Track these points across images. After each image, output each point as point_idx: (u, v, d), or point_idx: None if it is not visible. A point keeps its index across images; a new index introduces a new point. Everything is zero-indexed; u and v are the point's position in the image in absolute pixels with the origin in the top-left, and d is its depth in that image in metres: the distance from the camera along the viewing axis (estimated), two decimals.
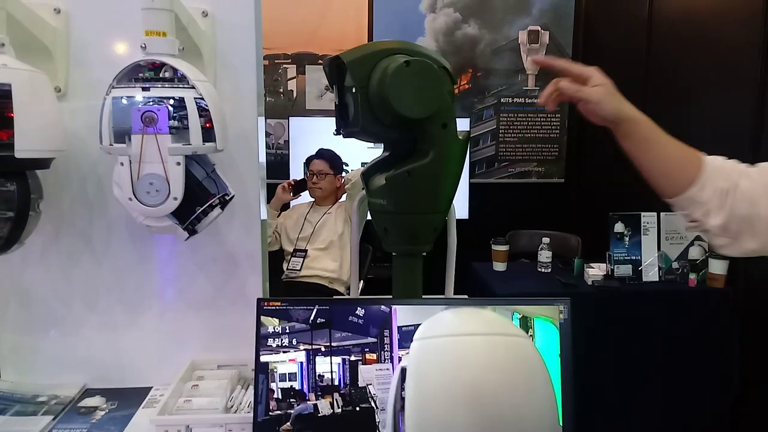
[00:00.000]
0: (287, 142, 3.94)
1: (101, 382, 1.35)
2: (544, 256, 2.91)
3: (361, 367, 1.00)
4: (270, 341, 1.01)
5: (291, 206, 3.33)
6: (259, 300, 1.03)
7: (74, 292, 1.34)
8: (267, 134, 3.98)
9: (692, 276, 2.64)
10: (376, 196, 1.09)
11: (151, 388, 1.34)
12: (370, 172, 1.13)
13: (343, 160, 3.19)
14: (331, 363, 0.99)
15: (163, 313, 1.37)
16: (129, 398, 1.30)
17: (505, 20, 4.05)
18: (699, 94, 2.93)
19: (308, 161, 3.17)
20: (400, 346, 0.99)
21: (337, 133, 1.11)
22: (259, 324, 1.02)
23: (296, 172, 3.68)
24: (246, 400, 1.22)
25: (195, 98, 1.05)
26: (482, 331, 1.00)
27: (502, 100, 4.14)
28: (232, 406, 1.20)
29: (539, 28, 4.08)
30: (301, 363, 0.99)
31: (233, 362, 1.34)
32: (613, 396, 2.64)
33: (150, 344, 1.37)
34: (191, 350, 1.36)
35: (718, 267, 2.59)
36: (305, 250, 3.03)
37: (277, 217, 3.19)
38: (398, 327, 1.00)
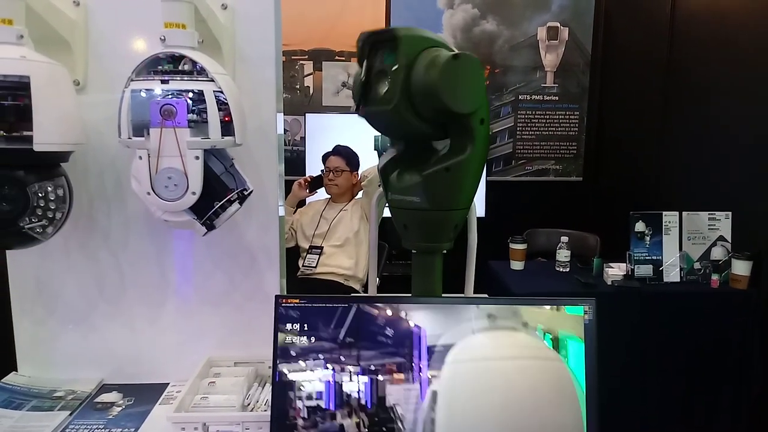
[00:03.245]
0: (304, 138, 3.93)
1: (118, 378, 1.35)
2: (563, 255, 2.87)
3: (389, 387, 0.97)
4: (297, 360, 0.98)
5: (307, 203, 3.32)
6: (277, 297, 1.02)
7: (92, 287, 1.34)
8: (284, 130, 3.97)
9: (715, 277, 2.59)
10: (407, 193, 1.05)
11: (168, 384, 1.33)
12: (388, 168, 1.10)
13: (360, 157, 3.17)
14: (358, 382, 0.97)
15: (181, 309, 1.36)
16: (146, 394, 1.29)
17: (523, 16, 4.00)
18: (720, 95, 2.87)
19: (324, 158, 3.16)
20: (429, 366, 0.97)
21: (356, 110, 1.05)
22: (277, 321, 1.01)
23: (313, 169, 3.67)
24: (263, 398, 1.21)
25: (214, 91, 1.03)
26: (516, 354, 0.97)
27: (520, 97, 4.10)
28: (249, 404, 1.19)
29: (558, 25, 4.03)
30: (328, 381, 0.97)
31: (250, 359, 1.33)
32: (632, 397, 2.60)
33: (167, 340, 1.36)
34: (208, 346, 1.36)
35: (741, 268, 2.54)
36: (321, 247, 3.02)
37: (293, 213, 3.18)
38: (428, 347, 0.98)
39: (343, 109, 3.95)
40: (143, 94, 1.02)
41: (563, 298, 1.02)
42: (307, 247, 3.05)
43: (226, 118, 1.05)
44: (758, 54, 2.61)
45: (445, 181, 1.01)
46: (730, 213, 2.65)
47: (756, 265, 2.54)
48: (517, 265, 2.89)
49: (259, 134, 1.29)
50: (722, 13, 2.89)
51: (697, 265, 2.65)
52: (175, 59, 1.04)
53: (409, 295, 1.14)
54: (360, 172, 3.15)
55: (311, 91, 3.99)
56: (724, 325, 2.56)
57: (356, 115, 1.05)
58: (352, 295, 2.70)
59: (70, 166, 1.16)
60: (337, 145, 3.15)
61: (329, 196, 3.17)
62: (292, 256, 3.12)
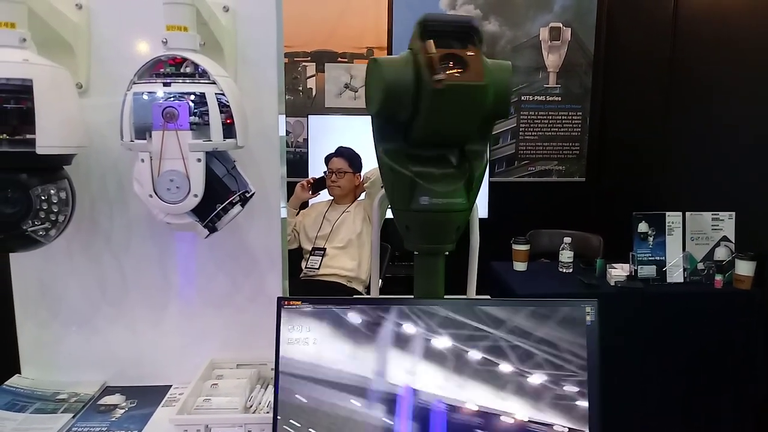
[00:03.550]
0: (306, 140, 3.94)
1: (121, 380, 1.35)
2: (566, 256, 2.87)
3: None
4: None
5: (310, 204, 3.32)
6: (279, 299, 1.02)
7: (95, 289, 1.34)
8: (286, 132, 3.98)
9: (718, 277, 2.58)
10: (452, 196, 1.04)
11: (171, 386, 1.33)
12: (425, 175, 1.04)
13: (362, 159, 3.17)
14: None
15: (183, 311, 1.36)
16: (148, 396, 1.29)
17: (526, 17, 4.00)
18: (723, 95, 2.86)
19: (327, 159, 3.16)
20: None
21: (438, 82, 0.94)
22: (279, 323, 1.01)
23: (315, 171, 3.67)
24: (265, 400, 1.21)
25: (216, 94, 1.04)
26: None
27: (522, 97, 4.10)
28: (251, 406, 1.19)
29: (561, 25, 4.03)
30: None
31: (253, 361, 1.33)
32: (635, 398, 2.59)
33: (170, 342, 1.36)
34: (211, 348, 1.36)
35: (744, 268, 2.53)
36: (324, 249, 3.02)
37: (296, 215, 3.18)
38: None
39: (346, 111, 3.95)
40: (145, 97, 1.02)
41: (565, 299, 1.02)
42: (310, 248, 3.06)
43: (228, 121, 1.06)
44: (761, 54, 2.60)
45: (480, 182, 1.06)
46: (733, 213, 2.64)
47: (760, 266, 2.53)
48: (520, 266, 2.89)
49: (261, 136, 1.30)
50: (725, 13, 2.88)
51: (700, 266, 2.65)
52: (177, 62, 1.05)
53: (411, 296, 1.14)
54: (363, 173, 3.15)
55: (314, 93, 3.99)
56: (728, 325, 2.55)
57: (437, 84, 0.91)
58: (354, 297, 2.69)
59: (73, 168, 1.17)
60: (339, 147, 3.15)
61: (332, 198, 3.17)
62: (295, 257, 3.12)
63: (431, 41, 0.94)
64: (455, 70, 0.94)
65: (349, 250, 3.02)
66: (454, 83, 0.92)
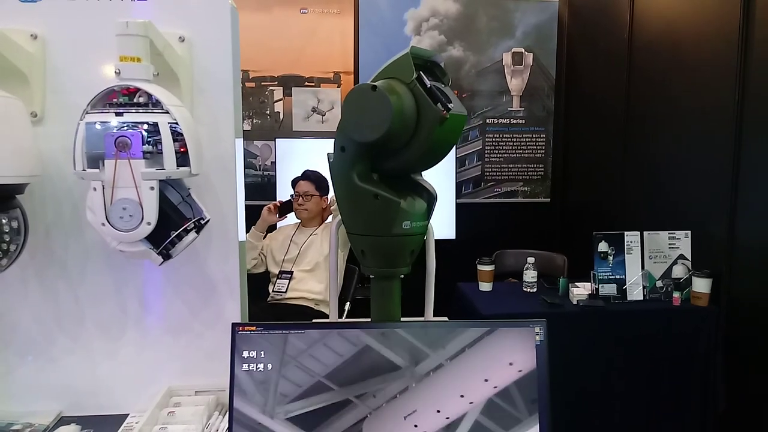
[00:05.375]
0: (274, 163, 3.95)
1: (77, 410, 1.33)
2: (530, 275, 2.91)
3: None
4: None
5: (277, 228, 3.32)
6: (233, 325, 1.02)
7: (50, 318, 1.33)
8: (254, 156, 4.00)
9: (676, 294, 2.65)
10: (425, 218, 1.10)
11: (128, 415, 1.32)
12: (407, 202, 1.08)
13: (329, 182, 3.19)
14: None
15: (141, 338, 1.36)
16: (104, 426, 1.28)
17: (489, 42, 4.10)
18: (679, 118, 2.95)
19: (294, 182, 3.18)
20: None
21: (447, 111, 1.00)
22: (234, 349, 1.01)
23: (283, 194, 3.68)
24: (223, 427, 1.21)
25: (169, 123, 1.05)
26: None
27: (487, 120, 4.18)
28: None
29: (523, 50, 4.13)
30: None
31: (211, 387, 1.33)
32: (597, 415, 2.63)
33: (127, 370, 1.35)
34: (169, 376, 1.35)
35: (701, 285, 2.60)
36: (291, 272, 3.02)
37: (263, 238, 3.18)
38: None
39: (313, 134, 3.98)
40: (98, 127, 1.03)
41: (514, 320, 1.05)
42: (277, 272, 3.05)
43: (182, 149, 1.07)
44: (713, 79, 2.70)
45: None
46: (689, 232, 2.72)
47: (716, 283, 2.60)
48: (485, 286, 2.92)
49: (218, 163, 1.31)
50: (678, 39, 2.98)
51: (659, 284, 2.71)
52: (131, 92, 1.06)
53: (369, 320, 1.16)
54: (329, 196, 3.17)
55: (281, 117, 4.02)
56: (687, 341, 2.61)
57: (445, 114, 0.98)
58: (313, 321, 2.68)
59: (27, 196, 1.17)
60: (306, 170, 3.17)
61: (299, 221, 3.18)
62: (263, 281, 3.11)
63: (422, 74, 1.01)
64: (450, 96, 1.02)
65: (317, 273, 3.02)
66: (454, 113, 0.99)
